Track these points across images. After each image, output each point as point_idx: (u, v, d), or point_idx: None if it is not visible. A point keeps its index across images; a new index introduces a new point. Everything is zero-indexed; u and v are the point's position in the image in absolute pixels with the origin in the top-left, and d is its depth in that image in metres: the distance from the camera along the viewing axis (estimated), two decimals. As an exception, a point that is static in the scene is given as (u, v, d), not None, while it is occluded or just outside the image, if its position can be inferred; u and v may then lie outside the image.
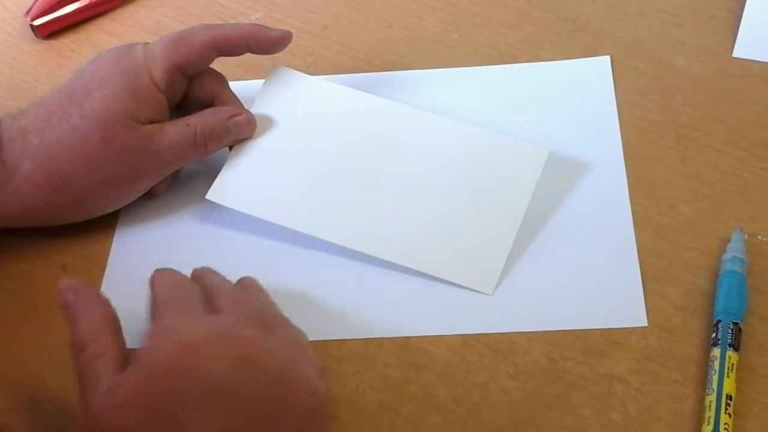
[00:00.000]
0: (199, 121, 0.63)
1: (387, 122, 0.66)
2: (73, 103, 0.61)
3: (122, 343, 0.50)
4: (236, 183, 0.64)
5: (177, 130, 0.63)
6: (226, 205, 0.64)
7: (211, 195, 0.64)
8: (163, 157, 0.63)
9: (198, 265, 0.63)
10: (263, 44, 0.65)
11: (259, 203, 0.63)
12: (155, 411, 0.45)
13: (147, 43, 0.64)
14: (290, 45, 0.76)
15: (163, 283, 0.54)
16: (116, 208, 0.65)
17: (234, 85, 0.67)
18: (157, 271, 0.55)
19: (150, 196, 0.66)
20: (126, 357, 0.49)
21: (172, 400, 0.45)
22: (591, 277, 0.59)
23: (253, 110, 0.66)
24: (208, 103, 0.66)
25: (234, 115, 0.64)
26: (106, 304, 0.51)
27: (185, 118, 0.63)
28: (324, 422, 0.49)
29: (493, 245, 0.61)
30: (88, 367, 0.48)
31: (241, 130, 0.65)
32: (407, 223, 0.62)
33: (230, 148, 0.66)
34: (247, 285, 0.57)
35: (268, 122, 0.66)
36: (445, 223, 0.62)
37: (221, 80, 0.67)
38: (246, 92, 0.68)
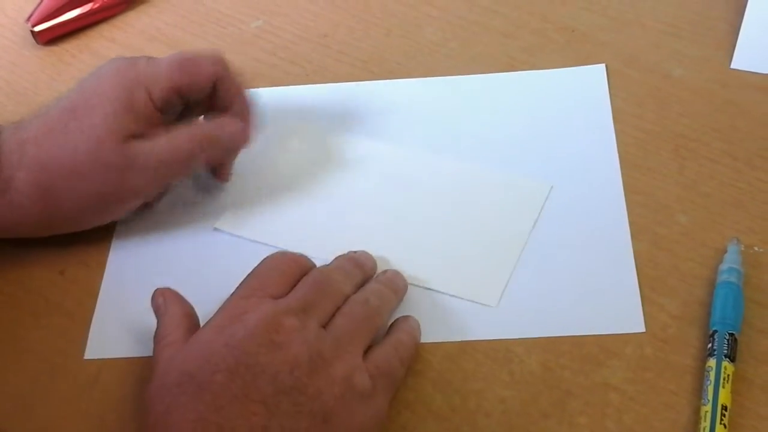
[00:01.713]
0: (188, 133, 0.62)
1: (392, 164, 0.67)
2: (72, 117, 0.61)
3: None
4: (245, 213, 0.65)
5: (166, 142, 0.62)
6: (236, 234, 0.64)
7: (220, 225, 0.65)
8: (153, 174, 0.62)
9: (195, 271, 0.63)
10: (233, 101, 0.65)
11: (266, 231, 0.64)
12: (185, 373, 0.50)
13: (151, 58, 0.64)
14: (289, 53, 0.76)
15: (266, 263, 0.57)
16: (111, 221, 0.65)
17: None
18: (276, 254, 0.58)
19: (144, 207, 0.66)
20: None
21: (203, 366, 0.50)
22: (588, 285, 0.59)
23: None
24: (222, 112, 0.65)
25: (226, 125, 0.63)
26: (186, 305, 0.57)
27: (175, 132, 0.62)
28: (352, 417, 0.51)
29: (497, 267, 0.61)
30: (160, 352, 0.54)
31: (235, 140, 0.64)
32: (412, 248, 0.62)
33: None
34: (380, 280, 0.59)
35: (274, 163, 0.67)
36: (450, 249, 0.62)
37: (238, 90, 0.65)
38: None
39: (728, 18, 0.73)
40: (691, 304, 0.58)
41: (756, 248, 0.60)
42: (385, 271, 0.60)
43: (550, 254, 0.61)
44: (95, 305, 0.63)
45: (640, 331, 0.57)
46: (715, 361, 0.54)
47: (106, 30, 0.81)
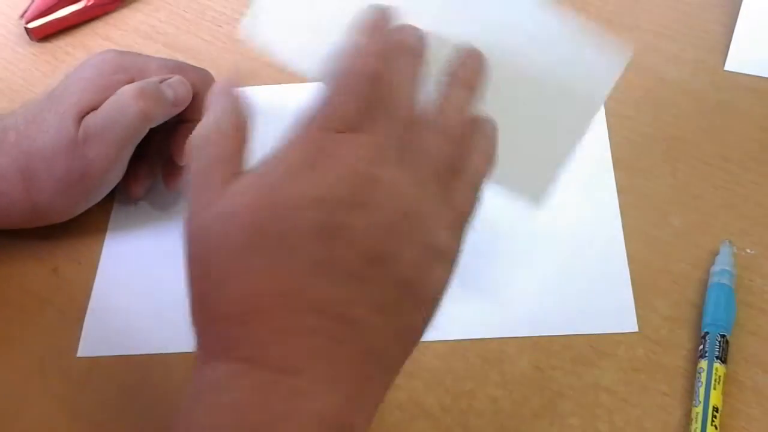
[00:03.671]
0: (128, 88, 0.61)
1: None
2: (50, 102, 0.62)
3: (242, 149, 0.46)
4: (271, 20, 0.55)
5: (107, 103, 0.61)
6: (259, 45, 0.54)
7: (245, 28, 0.55)
8: (105, 140, 0.60)
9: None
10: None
11: (294, 50, 0.54)
12: (256, 228, 0.42)
13: (143, 54, 0.64)
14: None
15: (340, 85, 0.46)
16: (93, 203, 0.64)
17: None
18: (350, 67, 0.46)
19: (129, 200, 0.66)
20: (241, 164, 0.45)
21: (279, 220, 0.42)
22: (581, 285, 0.60)
23: None
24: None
25: (164, 80, 0.62)
26: (241, 116, 0.47)
27: (117, 92, 0.61)
28: (434, 279, 0.45)
29: (551, 150, 0.54)
30: (196, 175, 0.45)
31: (176, 89, 0.62)
32: None
33: None
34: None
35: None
36: (503, 113, 0.51)
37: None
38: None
39: (722, 20, 0.73)
40: (683, 305, 0.58)
41: (748, 250, 0.60)
42: (462, 60, 0.50)
43: (543, 254, 0.61)
44: (88, 303, 0.63)
45: (633, 330, 0.57)
46: (706, 362, 0.54)
47: (100, 27, 0.81)
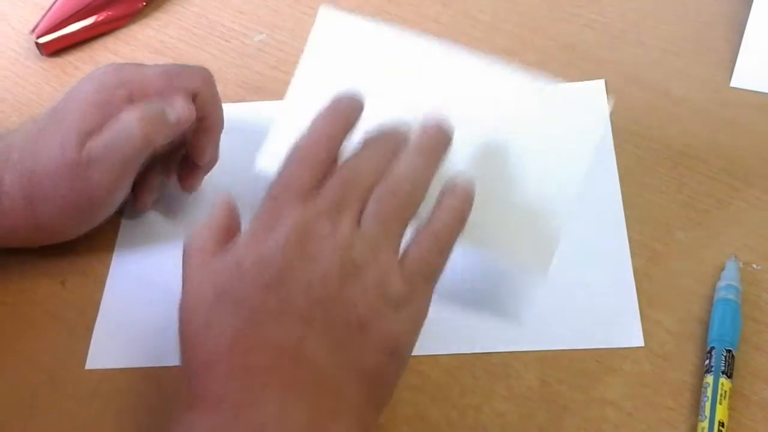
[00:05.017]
0: (130, 112, 0.61)
1: (452, 72, 0.60)
2: (52, 120, 0.62)
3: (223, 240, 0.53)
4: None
5: (108, 128, 0.61)
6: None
7: (261, 163, 0.59)
8: (108, 163, 0.60)
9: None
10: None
11: None
12: (221, 289, 0.50)
13: (140, 64, 0.65)
14: (293, 66, 0.76)
15: (294, 156, 0.53)
16: (97, 224, 0.64)
17: (235, 107, 0.67)
18: (303, 141, 0.53)
19: (136, 213, 0.67)
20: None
21: (238, 282, 0.50)
22: (587, 300, 0.60)
23: (302, 63, 0.62)
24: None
25: (169, 100, 0.62)
26: (230, 216, 0.54)
27: (118, 116, 0.61)
28: (389, 325, 0.50)
29: (550, 216, 0.56)
30: (187, 259, 0.53)
31: (178, 111, 0.62)
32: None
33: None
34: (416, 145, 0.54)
35: (319, 77, 0.59)
36: (497, 191, 0.56)
37: (214, 106, 0.65)
38: (247, 115, 0.68)
39: (728, 37, 0.74)
40: (689, 320, 0.58)
41: (754, 265, 0.60)
42: (423, 129, 0.55)
43: (549, 269, 0.61)
44: (96, 316, 0.63)
45: (639, 345, 0.57)
46: (712, 377, 0.54)
47: (110, 42, 0.82)
